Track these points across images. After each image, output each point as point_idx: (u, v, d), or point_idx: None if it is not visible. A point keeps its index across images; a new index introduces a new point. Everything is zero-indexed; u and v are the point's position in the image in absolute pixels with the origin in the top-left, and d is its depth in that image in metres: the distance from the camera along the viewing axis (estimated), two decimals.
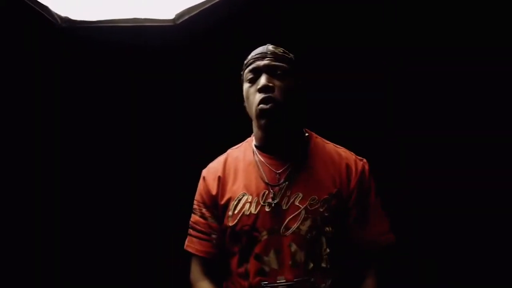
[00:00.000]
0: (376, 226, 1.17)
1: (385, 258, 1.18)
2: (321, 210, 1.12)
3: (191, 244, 1.25)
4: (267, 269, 1.11)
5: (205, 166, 1.31)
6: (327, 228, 1.12)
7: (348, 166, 1.19)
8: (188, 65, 1.80)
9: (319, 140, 1.27)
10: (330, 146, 1.26)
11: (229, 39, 1.74)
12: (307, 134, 1.26)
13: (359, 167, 1.20)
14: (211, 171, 1.27)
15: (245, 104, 1.23)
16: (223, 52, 1.72)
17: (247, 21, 1.73)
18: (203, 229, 1.24)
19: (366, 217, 1.17)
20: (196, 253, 1.23)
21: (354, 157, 1.23)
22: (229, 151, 1.31)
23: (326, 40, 1.75)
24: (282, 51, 1.21)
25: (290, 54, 1.23)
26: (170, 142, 1.84)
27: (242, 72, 1.24)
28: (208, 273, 1.23)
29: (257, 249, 1.12)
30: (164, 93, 1.84)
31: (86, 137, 1.85)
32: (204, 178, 1.27)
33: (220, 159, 1.29)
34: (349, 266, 1.17)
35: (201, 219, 1.24)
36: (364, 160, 1.24)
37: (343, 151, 1.25)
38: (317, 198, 1.13)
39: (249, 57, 1.22)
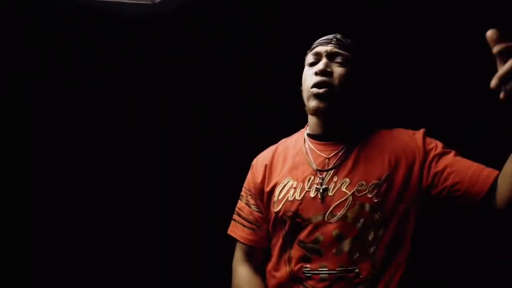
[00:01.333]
0: (471, 166, 1.03)
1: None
2: (370, 196, 1.06)
3: (234, 229, 1.27)
4: (310, 256, 1.08)
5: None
6: (377, 216, 1.06)
7: (404, 137, 1.13)
8: (166, 43, 1.84)
9: (376, 129, 1.21)
10: (385, 131, 1.19)
11: (206, 19, 1.76)
12: (364, 124, 1.22)
13: (419, 136, 1.12)
14: (260, 159, 1.28)
15: (302, 87, 1.21)
16: (200, 32, 1.75)
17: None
18: (246, 216, 1.25)
19: (458, 165, 1.04)
20: (238, 238, 1.25)
21: (410, 131, 1.16)
22: (281, 141, 1.32)
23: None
24: (350, 41, 1.19)
25: (356, 45, 1.20)
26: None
27: (305, 57, 1.24)
28: (250, 259, 1.24)
29: (301, 236, 1.10)
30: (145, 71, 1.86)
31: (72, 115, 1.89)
32: (252, 166, 1.29)
33: (271, 148, 1.30)
34: (400, 258, 1.06)
35: (246, 206, 1.26)
36: (421, 130, 1.15)
37: (397, 131, 1.18)
38: (365, 183, 1.08)
39: (314, 43, 1.22)
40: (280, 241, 1.16)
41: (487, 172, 1.01)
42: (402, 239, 1.07)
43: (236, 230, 1.26)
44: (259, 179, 1.23)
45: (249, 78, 1.85)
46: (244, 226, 1.25)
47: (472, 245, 1.53)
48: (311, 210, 1.10)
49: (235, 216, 1.29)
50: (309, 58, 1.20)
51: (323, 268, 1.06)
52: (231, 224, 1.29)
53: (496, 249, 1.56)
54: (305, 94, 1.17)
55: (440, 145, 1.10)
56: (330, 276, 1.05)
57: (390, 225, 1.06)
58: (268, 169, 1.23)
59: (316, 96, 1.12)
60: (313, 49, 1.20)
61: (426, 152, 1.09)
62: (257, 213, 1.23)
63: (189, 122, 1.93)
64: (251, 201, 1.25)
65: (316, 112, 1.14)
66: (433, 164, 1.07)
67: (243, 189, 1.30)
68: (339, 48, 1.16)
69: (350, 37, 1.21)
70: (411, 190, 1.08)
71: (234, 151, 1.78)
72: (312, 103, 1.13)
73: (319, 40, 1.21)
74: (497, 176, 1.00)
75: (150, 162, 1.92)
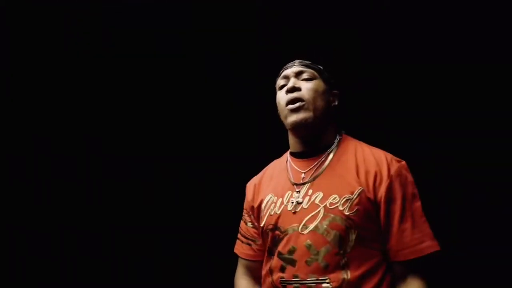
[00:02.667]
0: (414, 233, 1.08)
1: (429, 270, 1.08)
2: (341, 209, 1.09)
3: (237, 247, 1.38)
4: (285, 266, 1.13)
5: None
6: (348, 229, 1.08)
7: (379, 166, 1.14)
8: None
9: (353, 142, 1.25)
10: (364, 147, 1.22)
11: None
12: (340, 137, 1.26)
13: (393, 168, 1.13)
14: (251, 181, 1.39)
15: (278, 110, 1.29)
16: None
17: None
18: (244, 233, 1.36)
19: (402, 223, 1.08)
20: (238, 254, 1.36)
21: (389, 157, 1.16)
22: (273, 162, 1.40)
23: None
24: (310, 62, 1.28)
25: (318, 65, 1.29)
26: None
27: (275, 85, 1.33)
28: (249, 272, 1.34)
29: (279, 247, 1.16)
30: None
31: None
32: (247, 187, 1.39)
33: (263, 171, 1.39)
34: (375, 272, 1.09)
35: (243, 224, 1.37)
36: (403, 162, 1.16)
37: (377, 151, 1.19)
38: (338, 196, 1.11)
39: (281, 70, 1.32)
40: (266, 253, 1.23)
41: (421, 247, 1.07)
42: (374, 251, 1.10)
43: (238, 247, 1.37)
44: (250, 197, 1.34)
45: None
46: (242, 242, 1.35)
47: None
48: (287, 223, 1.15)
49: (238, 235, 1.39)
50: (279, 82, 1.29)
51: (296, 278, 1.10)
52: (236, 243, 1.40)
53: None
54: (282, 114, 1.25)
55: (407, 191, 1.12)
56: (302, 286, 1.09)
57: (361, 238, 1.08)
58: (257, 188, 1.32)
59: (292, 111, 1.19)
60: (280, 74, 1.30)
61: (380, 195, 1.11)
62: (252, 229, 1.33)
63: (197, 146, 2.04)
64: (247, 219, 1.35)
65: (294, 125, 1.20)
66: (380, 209, 1.11)
67: (244, 210, 1.39)
68: (303, 67, 1.25)
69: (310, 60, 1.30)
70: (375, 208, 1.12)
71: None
72: (289, 119, 1.20)
73: (284, 66, 1.31)
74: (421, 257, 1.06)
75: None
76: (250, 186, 1.37)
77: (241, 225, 1.38)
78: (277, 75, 1.32)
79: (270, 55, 1.79)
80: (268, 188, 1.28)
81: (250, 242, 1.33)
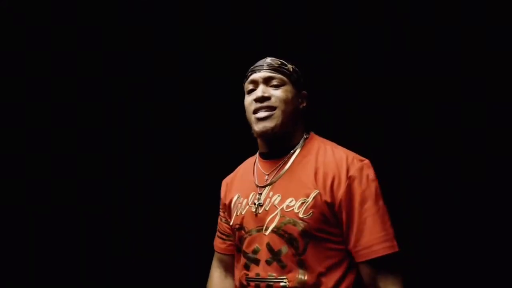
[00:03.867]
0: (373, 233, 1.08)
1: (391, 272, 1.08)
2: (296, 211, 1.12)
3: (215, 241, 1.46)
4: (249, 264, 1.19)
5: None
6: (303, 230, 1.11)
7: (337, 168, 1.14)
8: None
9: (318, 142, 1.25)
10: (328, 147, 1.22)
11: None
12: (306, 137, 1.27)
13: (353, 169, 1.13)
14: (225, 180, 1.43)
15: (246, 114, 1.29)
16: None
17: None
18: (219, 228, 1.43)
19: (361, 224, 1.09)
20: (215, 248, 1.44)
21: (351, 157, 1.16)
22: (247, 160, 1.42)
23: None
24: (279, 63, 1.25)
25: (289, 65, 1.26)
26: None
27: (243, 85, 1.33)
28: (222, 264, 1.41)
29: (244, 246, 1.22)
30: None
31: None
32: (222, 185, 1.44)
33: (238, 168, 1.43)
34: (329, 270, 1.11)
35: (219, 220, 1.43)
36: (366, 160, 1.17)
37: (339, 151, 1.20)
38: (294, 199, 1.14)
39: (249, 70, 1.31)
40: (236, 252, 1.30)
41: (378, 247, 1.07)
42: (332, 252, 1.12)
43: (215, 241, 1.45)
44: (222, 195, 1.40)
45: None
46: (218, 237, 1.43)
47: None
48: (251, 224, 1.20)
49: (218, 228, 1.46)
50: (247, 86, 1.28)
51: (257, 276, 1.16)
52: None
53: None
54: (249, 120, 1.26)
55: (367, 191, 1.11)
56: (262, 284, 1.15)
57: (316, 239, 1.11)
58: (229, 187, 1.37)
59: (259, 119, 1.20)
60: (248, 77, 1.28)
61: (339, 195, 1.11)
62: (225, 225, 1.39)
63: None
64: (222, 215, 1.41)
65: (262, 135, 1.22)
66: (337, 210, 1.12)
67: (220, 205, 1.45)
68: (272, 72, 1.23)
69: (282, 58, 1.27)
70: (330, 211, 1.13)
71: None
72: (257, 127, 1.21)
73: (252, 67, 1.29)
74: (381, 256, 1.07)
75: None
76: (223, 184, 1.42)
77: (218, 221, 1.45)
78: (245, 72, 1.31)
79: (240, 53, 1.79)
80: (237, 187, 1.33)
81: (223, 236, 1.40)
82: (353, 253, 1.11)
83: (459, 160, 1.68)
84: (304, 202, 1.13)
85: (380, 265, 1.08)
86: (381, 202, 1.12)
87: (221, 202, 1.40)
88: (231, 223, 1.29)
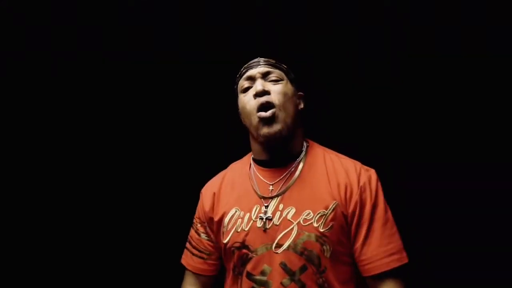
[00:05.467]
0: (381, 246, 1.02)
1: (398, 284, 1.03)
2: (316, 225, 1.02)
3: (185, 257, 1.26)
4: None
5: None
6: (325, 246, 1.02)
7: (348, 178, 1.08)
8: None
9: (320, 149, 1.18)
10: (332, 155, 1.15)
11: None
12: (307, 144, 1.18)
13: (363, 179, 1.07)
14: (208, 187, 1.24)
15: (241, 116, 1.17)
16: None
17: None
18: (195, 245, 1.23)
19: (370, 235, 1.03)
20: (187, 267, 1.24)
21: (358, 167, 1.11)
22: (230, 166, 1.28)
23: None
24: (274, 60, 1.17)
25: (283, 64, 1.18)
26: None
27: (235, 86, 1.21)
28: (199, 286, 1.23)
29: (248, 267, 1.06)
30: None
31: None
32: (201, 194, 1.25)
33: (220, 174, 1.26)
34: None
35: (195, 234, 1.24)
36: (372, 170, 1.12)
37: (345, 160, 1.13)
38: (311, 212, 1.04)
39: (242, 68, 1.19)
40: (230, 273, 1.12)
41: (388, 260, 1.02)
42: (347, 266, 1.05)
43: (186, 258, 1.25)
44: (207, 207, 1.20)
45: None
46: (193, 254, 1.23)
47: None
48: (258, 241, 1.06)
49: (187, 244, 1.27)
50: (242, 83, 1.16)
51: None
52: (184, 253, 1.27)
53: None
54: (249, 121, 1.12)
55: (376, 202, 1.06)
56: None
57: (336, 254, 1.03)
58: (216, 197, 1.19)
59: (264, 121, 1.07)
60: (243, 74, 1.17)
61: (352, 208, 1.05)
62: (207, 241, 1.21)
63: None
64: (201, 229, 1.22)
65: (267, 139, 1.08)
66: (350, 223, 1.06)
67: (194, 217, 1.27)
68: (270, 67, 1.14)
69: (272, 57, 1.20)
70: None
71: (186, 177, 1.78)
72: (262, 131, 1.07)
73: (246, 65, 1.19)
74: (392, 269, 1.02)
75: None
76: (207, 193, 1.22)
77: (191, 235, 1.25)
78: (236, 73, 1.19)
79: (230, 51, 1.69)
80: (231, 199, 1.15)
81: (203, 255, 1.21)
82: (360, 266, 1.05)
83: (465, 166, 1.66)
84: (324, 214, 1.04)
85: (387, 277, 1.03)
86: (388, 213, 1.08)
87: (203, 215, 1.21)
88: (225, 241, 1.11)
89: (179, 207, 1.61)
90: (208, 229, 1.20)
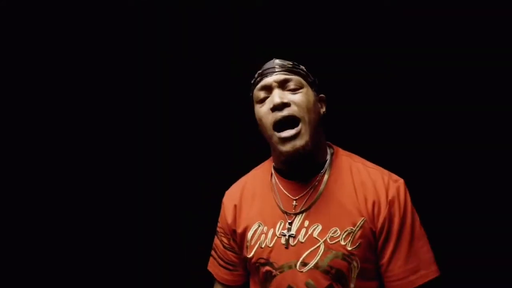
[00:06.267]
0: (408, 263, 0.98)
1: None
2: (343, 243, 0.98)
3: (212, 266, 1.24)
4: None
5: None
6: (351, 264, 0.98)
7: (376, 192, 1.01)
8: None
9: (346, 158, 1.10)
10: (359, 165, 1.08)
11: None
12: (332, 152, 1.11)
13: (391, 192, 1.01)
14: (229, 198, 1.20)
15: (259, 126, 1.09)
16: None
17: None
18: (221, 255, 1.21)
19: (397, 251, 0.99)
20: (216, 277, 1.22)
21: (386, 178, 1.03)
22: (250, 172, 1.23)
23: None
24: (291, 63, 1.07)
25: (301, 66, 1.08)
26: None
27: (251, 94, 1.12)
28: None
29: (273, 285, 1.04)
30: None
31: None
32: (223, 204, 1.21)
33: (240, 183, 1.21)
34: None
35: (220, 245, 1.21)
36: (401, 181, 1.04)
37: (373, 170, 1.06)
38: (338, 229, 1.00)
39: (256, 75, 1.09)
40: (257, 286, 1.11)
41: (414, 278, 0.99)
42: (373, 281, 1.03)
43: (214, 267, 1.24)
44: (229, 219, 1.16)
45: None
46: (219, 265, 1.21)
47: None
48: (282, 258, 1.03)
49: (212, 252, 1.25)
50: (257, 94, 1.07)
51: None
52: (210, 260, 1.26)
53: None
54: (268, 136, 1.05)
55: (405, 216, 1.01)
56: None
57: (365, 273, 1.00)
58: (238, 209, 1.15)
59: (285, 139, 1.00)
60: (257, 83, 1.07)
61: (380, 223, 1.01)
62: (231, 253, 1.18)
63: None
64: (225, 240, 1.19)
65: (290, 156, 1.01)
66: (378, 239, 1.02)
67: (218, 225, 1.23)
68: (287, 74, 1.05)
69: (288, 59, 1.10)
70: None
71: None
72: (283, 148, 1.01)
73: (260, 71, 1.08)
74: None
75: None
76: (228, 205, 1.18)
77: (216, 244, 1.22)
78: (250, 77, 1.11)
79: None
80: (252, 212, 1.11)
81: (229, 267, 1.19)
82: (386, 282, 1.01)
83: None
84: (351, 232, 0.99)
85: None
86: (416, 225, 1.02)
87: (226, 227, 1.17)
88: (249, 256, 1.08)
89: (199, 211, 1.64)
90: (232, 241, 1.17)
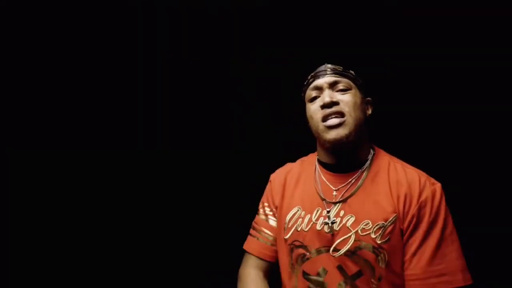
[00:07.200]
0: (432, 265, 1.00)
1: None
2: (373, 236, 1.04)
3: (248, 243, 1.27)
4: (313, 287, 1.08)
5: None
6: (380, 257, 1.04)
7: (410, 190, 1.06)
8: None
9: (386, 158, 1.17)
10: (398, 165, 1.14)
11: None
12: (373, 152, 1.19)
13: (425, 193, 1.05)
14: (277, 178, 1.28)
15: (309, 123, 1.20)
16: None
17: None
18: (261, 229, 1.25)
19: (421, 251, 1.01)
20: (250, 251, 1.24)
21: (423, 179, 1.08)
22: (298, 160, 1.31)
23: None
24: (342, 67, 1.17)
25: (350, 70, 1.19)
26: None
27: (302, 94, 1.23)
28: (261, 271, 1.22)
29: (305, 267, 1.11)
30: None
31: None
32: (270, 182, 1.29)
33: (285, 168, 1.29)
34: None
35: (262, 220, 1.26)
36: (438, 185, 1.08)
37: (411, 171, 1.11)
38: (370, 222, 1.06)
39: (309, 77, 1.21)
40: (288, 269, 1.16)
41: (435, 281, 0.99)
42: (399, 279, 1.06)
43: (251, 243, 1.25)
44: (277, 198, 1.23)
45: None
46: (258, 239, 1.25)
47: None
48: (317, 243, 1.10)
49: (251, 231, 1.29)
50: (309, 93, 1.18)
51: None
52: (247, 239, 1.28)
53: None
54: (316, 129, 1.15)
55: (436, 218, 1.03)
56: None
57: (392, 264, 1.04)
58: (284, 190, 1.22)
59: (331, 127, 1.09)
60: (310, 83, 1.18)
61: (408, 221, 1.05)
62: (274, 227, 1.23)
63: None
64: (270, 214, 1.25)
65: (334, 144, 1.10)
66: (405, 237, 1.05)
67: (260, 203, 1.30)
68: (337, 76, 1.15)
69: (338, 64, 1.20)
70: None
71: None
72: (328, 136, 1.09)
73: (312, 73, 1.20)
74: None
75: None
76: (276, 184, 1.26)
77: (256, 221, 1.28)
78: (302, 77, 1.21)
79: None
80: (293, 196, 1.20)
81: (268, 240, 1.22)
82: (405, 280, 1.04)
83: None
84: (382, 226, 1.05)
85: None
86: (448, 230, 1.04)
87: (271, 201, 1.24)
88: (286, 237, 1.16)
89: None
90: (276, 216, 1.22)
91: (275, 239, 1.22)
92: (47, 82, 1.85)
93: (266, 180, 1.33)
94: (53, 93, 1.86)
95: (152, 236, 1.91)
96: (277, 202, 1.23)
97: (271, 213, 1.24)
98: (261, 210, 1.28)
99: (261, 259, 1.23)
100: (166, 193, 1.92)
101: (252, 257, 1.24)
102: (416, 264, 1.02)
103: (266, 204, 1.27)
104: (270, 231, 1.24)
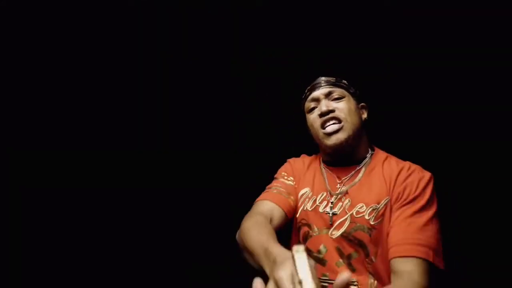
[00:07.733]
0: (411, 233, 1.02)
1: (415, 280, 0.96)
2: (367, 218, 1.12)
3: (264, 194, 1.23)
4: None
5: None
6: (373, 236, 1.10)
7: (399, 173, 1.15)
8: None
9: (383, 155, 1.27)
10: (392, 160, 1.23)
11: None
12: (372, 152, 1.27)
13: (413, 176, 1.11)
14: (295, 159, 1.36)
15: (310, 131, 1.29)
16: None
17: None
18: (281, 188, 1.24)
19: (402, 222, 1.04)
20: (266, 198, 1.20)
21: (414, 167, 1.16)
22: (304, 156, 1.39)
23: None
24: (335, 78, 1.28)
25: (343, 80, 1.29)
26: None
27: (302, 107, 1.33)
28: (269, 217, 1.14)
29: (308, 244, 1.19)
30: None
31: None
32: (289, 162, 1.35)
33: (298, 158, 1.38)
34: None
35: (283, 182, 1.26)
36: (427, 173, 1.14)
37: (404, 163, 1.20)
38: (364, 205, 1.13)
39: (306, 90, 1.31)
40: (297, 239, 1.23)
41: (410, 248, 1.01)
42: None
43: (266, 195, 1.22)
44: (296, 172, 1.29)
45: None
46: (277, 192, 1.22)
47: None
48: (318, 223, 1.18)
49: (266, 189, 1.27)
50: (308, 105, 1.29)
51: (325, 277, 1.14)
52: (260, 195, 1.25)
53: None
54: (317, 136, 1.25)
55: (421, 200, 1.07)
56: (330, 285, 1.12)
57: (385, 245, 1.08)
58: (300, 169, 1.31)
59: (330, 134, 1.19)
60: (307, 96, 1.29)
61: (394, 195, 1.10)
62: (292, 186, 1.25)
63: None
64: (291, 179, 1.28)
65: (334, 148, 1.20)
66: (394, 210, 1.09)
67: (278, 174, 1.32)
68: (331, 87, 1.25)
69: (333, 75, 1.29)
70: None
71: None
72: (328, 142, 1.20)
73: (309, 87, 1.30)
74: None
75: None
76: (296, 161, 1.33)
77: (277, 183, 1.26)
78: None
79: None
80: (305, 178, 1.28)
81: (284, 193, 1.22)
82: (388, 249, 1.05)
83: None
84: (375, 208, 1.12)
85: (407, 263, 0.99)
86: (430, 213, 1.06)
87: (289, 171, 1.29)
88: (297, 216, 1.24)
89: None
90: (294, 182, 1.27)
91: (290, 193, 1.23)
92: (47, 82, 1.90)
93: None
94: (53, 93, 1.91)
95: (152, 236, 1.92)
96: (296, 174, 1.30)
97: (294, 178, 1.28)
98: (279, 177, 1.29)
99: (275, 204, 1.18)
100: (166, 193, 1.94)
101: (264, 202, 1.19)
102: (396, 232, 1.05)
103: (284, 173, 1.30)
104: (286, 187, 1.24)
